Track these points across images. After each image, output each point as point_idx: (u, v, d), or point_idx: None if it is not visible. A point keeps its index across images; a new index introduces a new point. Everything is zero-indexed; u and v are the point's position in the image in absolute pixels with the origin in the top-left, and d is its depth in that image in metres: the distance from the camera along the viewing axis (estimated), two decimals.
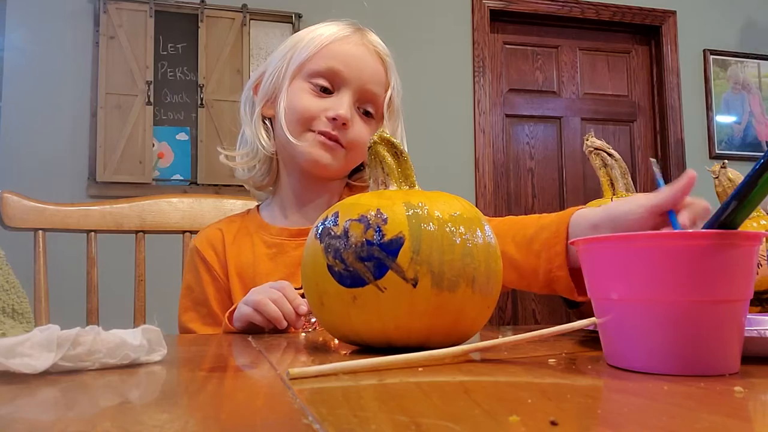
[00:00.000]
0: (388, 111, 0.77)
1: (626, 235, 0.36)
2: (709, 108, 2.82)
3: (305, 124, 0.74)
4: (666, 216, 0.48)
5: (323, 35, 0.75)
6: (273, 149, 0.78)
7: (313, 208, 0.78)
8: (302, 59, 0.75)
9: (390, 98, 0.77)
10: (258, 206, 0.84)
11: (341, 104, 0.73)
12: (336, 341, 0.51)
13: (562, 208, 2.67)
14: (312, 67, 0.75)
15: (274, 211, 0.81)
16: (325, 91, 0.74)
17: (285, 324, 0.58)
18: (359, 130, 0.75)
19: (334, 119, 0.72)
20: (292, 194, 0.79)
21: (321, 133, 0.73)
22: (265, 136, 0.77)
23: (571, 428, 0.22)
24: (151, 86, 2.22)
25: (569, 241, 0.51)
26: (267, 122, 0.79)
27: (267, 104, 0.78)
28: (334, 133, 0.73)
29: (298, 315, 0.59)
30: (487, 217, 0.48)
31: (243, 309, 0.61)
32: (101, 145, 2.15)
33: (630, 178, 0.57)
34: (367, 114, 0.76)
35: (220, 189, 2.22)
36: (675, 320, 0.33)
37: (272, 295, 0.59)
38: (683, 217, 0.48)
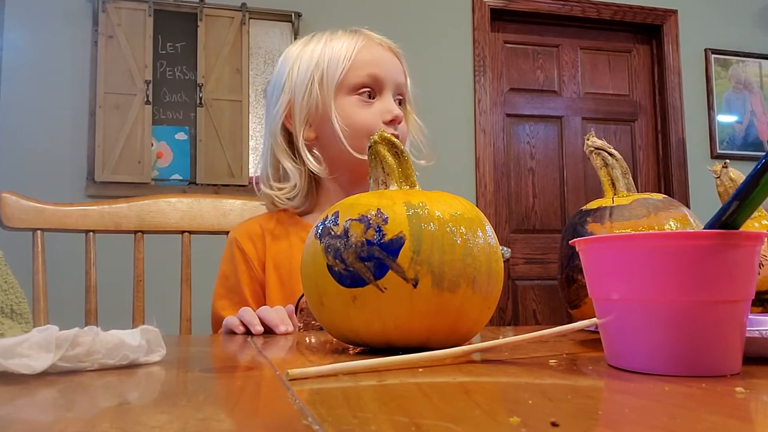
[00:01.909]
0: (410, 95, 0.84)
1: (627, 235, 0.36)
2: (710, 107, 2.82)
3: (369, 135, 0.76)
4: None
5: (343, 49, 0.79)
6: (323, 170, 0.79)
7: None
8: (338, 76, 0.78)
9: (409, 83, 0.84)
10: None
11: (391, 104, 0.79)
12: (336, 341, 0.51)
13: (563, 207, 2.67)
14: (353, 81, 0.78)
15: (312, 212, 0.83)
16: (371, 96, 0.79)
17: (260, 329, 0.59)
18: (403, 121, 0.81)
19: (392, 120, 0.78)
20: (335, 198, 0.80)
21: None
22: (314, 162, 0.79)
23: (571, 429, 0.22)
24: (150, 85, 2.22)
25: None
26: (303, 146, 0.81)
27: (307, 128, 0.80)
28: (395, 133, 0.78)
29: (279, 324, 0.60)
30: None
31: (228, 318, 0.64)
32: (100, 145, 2.15)
33: (631, 178, 0.57)
34: (400, 103, 0.83)
35: (219, 189, 2.22)
36: (676, 321, 0.32)
37: (261, 310, 0.62)
38: None
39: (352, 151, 0.77)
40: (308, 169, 0.79)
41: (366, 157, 0.75)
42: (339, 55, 0.78)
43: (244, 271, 0.79)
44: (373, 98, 0.79)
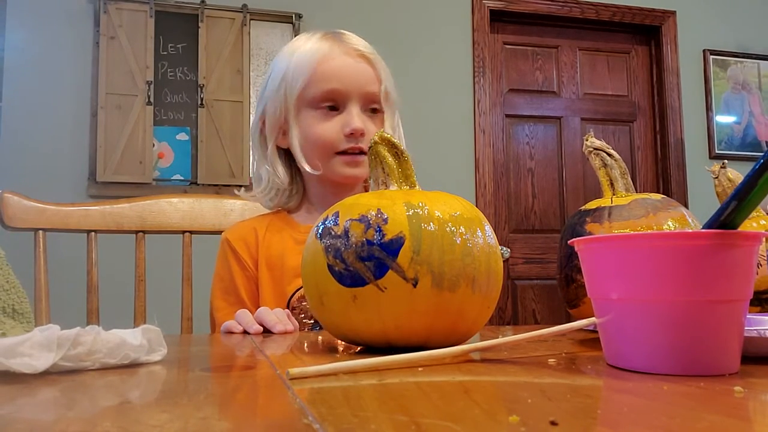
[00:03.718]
0: (386, 103, 0.80)
1: (626, 235, 0.37)
2: (708, 108, 2.82)
3: (328, 149, 0.78)
4: None
5: (306, 58, 0.77)
6: (288, 180, 0.81)
7: None
8: (298, 89, 0.77)
9: (384, 90, 0.80)
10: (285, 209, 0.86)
11: (352, 117, 0.76)
12: (336, 341, 0.51)
13: (562, 208, 2.67)
14: (311, 94, 0.77)
15: (304, 212, 0.84)
16: (332, 109, 0.78)
17: (257, 328, 0.60)
18: (373, 131, 0.78)
19: (351, 134, 0.76)
20: (322, 200, 0.82)
21: (345, 152, 0.77)
22: (282, 171, 0.81)
23: (570, 428, 0.22)
24: (152, 86, 2.22)
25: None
26: (282, 153, 0.82)
27: (279, 138, 0.81)
28: (357, 146, 0.77)
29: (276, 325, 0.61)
30: None
31: (226, 322, 0.64)
32: (101, 145, 2.15)
33: (630, 178, 0.57)
34: (373, 111, 0.80)
35: (220, 189, 2.22)
36: (675, 320, 0.33)
37: (260, 312, 0.62)
38: None
39: (305, 165, 0.77)
40: (289, 175, 0.81)
41: (329, 169, 0.77)
42: (300, 67, 0.77)
43: (238, 272, 0.79)
44: (337, 110, 0.77)
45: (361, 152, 0.77)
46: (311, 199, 0.84)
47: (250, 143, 0.84)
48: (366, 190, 0.84)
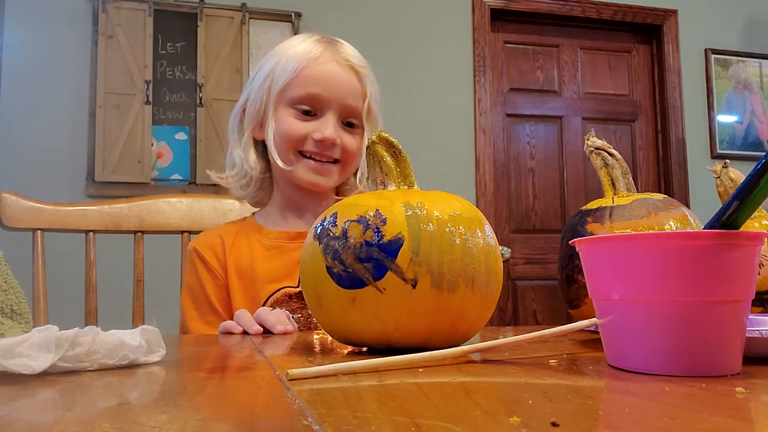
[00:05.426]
0: (367, 120, 0.79)
1: (627, 235, 0.36)
2: (710, 107, 2.82)
3: (294, 147, 0.77)
4: None
5: (296, 58, 0.77)
6: (259, 170, 0.81)
7: (312, 214, 0.82)
8: (281, 86, 0.77)
9: (368, 107, 0.79)
10: (253, 214, 0.86)
11: (326, 126, 0.76)
12: (335, 342, 0.51)
13: (563, 208, 2.67)
14: (292, 94, 0.77)
15: (273, 217, 0.83)
16: (309, 113, 0.77)
17: (257, 328, 0.60)
18: (349, 142, 0.78)
19: (321, 141, 0.76)
20: (290, 204, 0.82)
21: (311, 155, 0.77)
22: (253, 159, 0.80)
23: (571, 429, 0.22)
24: (150, 85, 2.22)
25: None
26: (259, 145, 0.82)
27: (256, 129, 0.80)
28: (325, 152, 0.77)
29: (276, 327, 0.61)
30: None
31: (225, 322, 0.64)
32: (100, 145, 2.14)
33: (631, 178, 0.57)
34: (351, 125, 0.79)
35: (219, 189, 2.20)
36: (676, 321, 0.32)
37: (260, 312, 0.62)
38: None
39: (278, 160, 0.77)
40: (261, 166, 0.81)
41: (295, 169, 0.76)
42: (288, 65, 0.77)
43: (208, 281, 0.79)
44: (314, 115, 0.77)
45: (334, 161, 0.78)
46: (280, 202, 0.83)
47: (228, 128, 0.84)
48: (340, 196, 0.84)
